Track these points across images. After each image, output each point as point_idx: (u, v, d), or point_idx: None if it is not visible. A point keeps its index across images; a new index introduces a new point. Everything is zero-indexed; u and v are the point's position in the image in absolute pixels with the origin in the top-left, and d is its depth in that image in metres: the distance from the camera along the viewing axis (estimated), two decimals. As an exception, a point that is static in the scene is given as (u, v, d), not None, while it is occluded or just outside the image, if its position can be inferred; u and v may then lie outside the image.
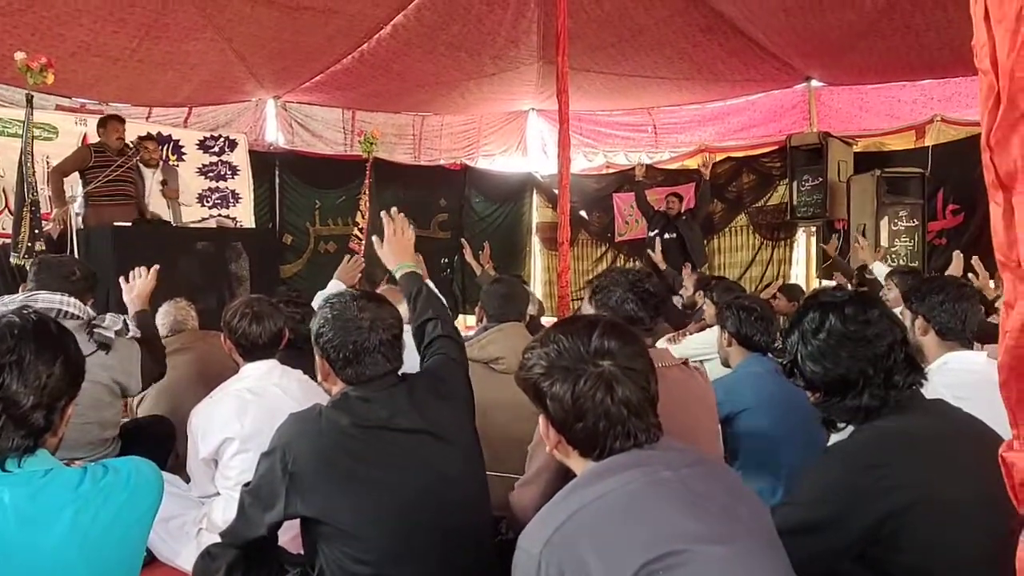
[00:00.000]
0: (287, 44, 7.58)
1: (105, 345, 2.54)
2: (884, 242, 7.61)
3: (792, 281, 8.48)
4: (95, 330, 2.53)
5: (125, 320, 2.77)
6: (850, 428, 1.73)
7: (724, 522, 1.26)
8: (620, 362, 1.33)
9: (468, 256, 7.44)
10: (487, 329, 2.97)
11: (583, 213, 10.53)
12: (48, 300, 2.47)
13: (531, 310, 4.34)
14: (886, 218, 7.72)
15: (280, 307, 2.87)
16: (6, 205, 6.87)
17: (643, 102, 10.14)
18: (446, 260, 10.29)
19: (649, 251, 7.54)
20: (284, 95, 9.11)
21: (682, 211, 8.64)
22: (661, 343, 4.14)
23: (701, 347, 4.18)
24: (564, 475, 1.68)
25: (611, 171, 10.66)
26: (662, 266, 7.06)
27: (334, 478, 1.75)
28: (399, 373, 1.95)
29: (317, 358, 1.92)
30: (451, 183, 10.44)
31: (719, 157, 9.77)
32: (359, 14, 7.26)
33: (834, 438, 1.81)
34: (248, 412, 2.50)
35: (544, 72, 8.81)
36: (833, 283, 6.87)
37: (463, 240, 7.89)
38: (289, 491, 1.75)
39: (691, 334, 4.77)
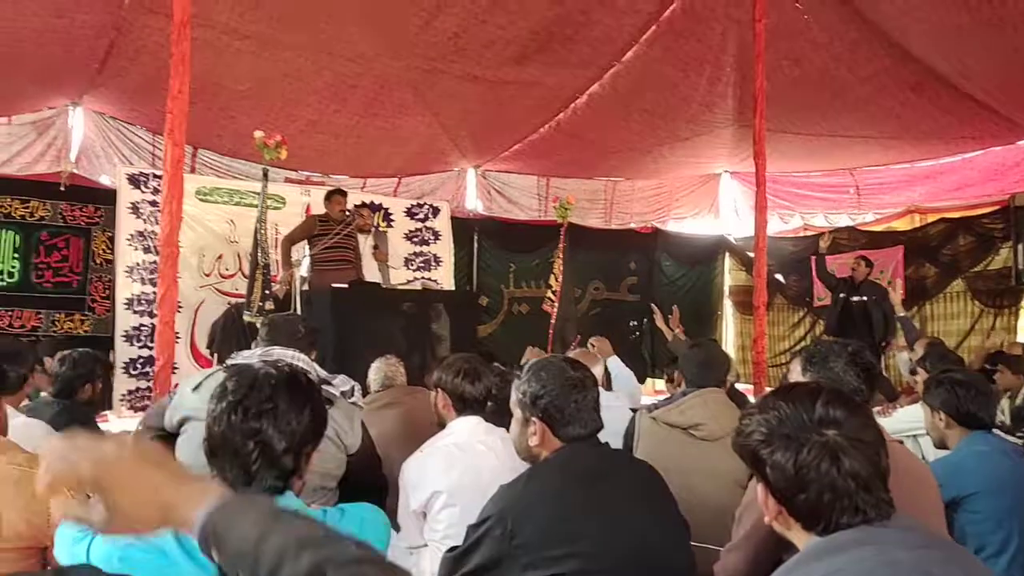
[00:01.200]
0: (489, 116, 8.02)
1: (329, 401, 2.75)
2: None
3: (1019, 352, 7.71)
4: (323, 387, 2.75)
5: (355, 386, 2.98)
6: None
7: (964, 610, 1.18)
8: (847, 432, 1.28)
9: (659, 321, 7.33)
10: (685, 394, 2.95)
11: (779, 276, 10.20)
12: (282, 355, 2.71)
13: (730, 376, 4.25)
14: None
15: (491, 366, 2.99)
16: (240, 268, 7.64)
17: (844, 162, 9.76)
18: (635, 323, 10.27)
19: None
20: (484, 164, 9.59)
21: (870, 276, 8.00)
22: (870, 416, 3.90)
23: (913, 421, 3.90)
24: (774, 543, 1.64)
25: (809, 233, 10.29)
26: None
27: (555, 537, 1.79)
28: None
29: (534, 422, 1.98)
30: (642, 246, 10.50)
31: (932, 218, 9.18)
32: (557, 85, 7.57)
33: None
34: (455, 467, 2.62)
35: (739, 135, 8.73)
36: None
37: (653, 305, 7.81)
38: (510, 558, 1.79)
39: (901, 406, 4.47)
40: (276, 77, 6.72)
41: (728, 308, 10.99)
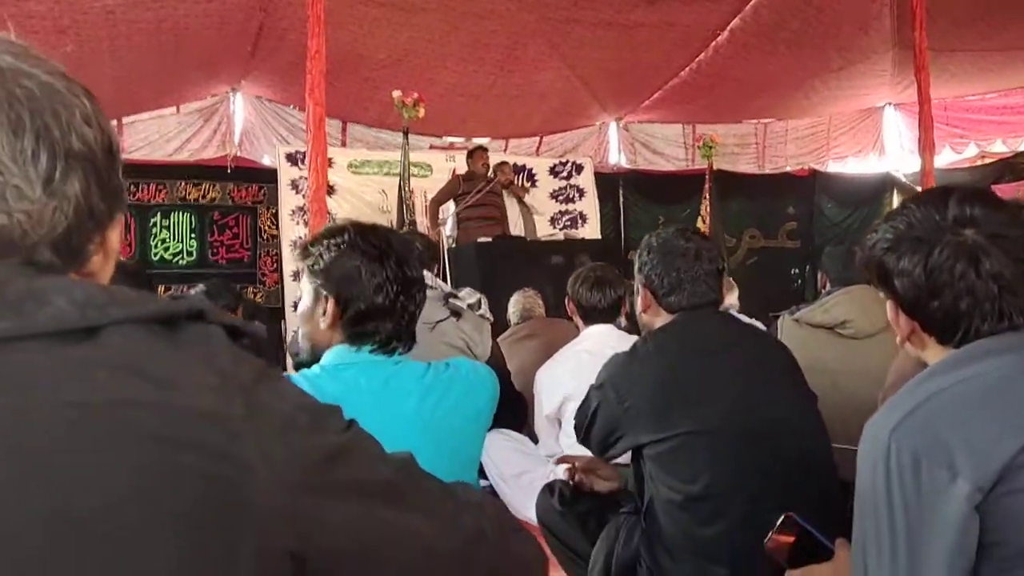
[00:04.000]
0: (626, 64, 7.84)
1: (456, 313, 2.79)
2: None
3: None
4: (450, 300, 2.79)
5: (481, 299, 3.01)
6: None
7: None
8: (987, 230, 1.10)
9: None
10: (830, 294, 2.77)
11: (955, 211, 9.41)
12: None
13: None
14: None
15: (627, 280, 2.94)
16: (393, 234, 7.91)
17: (1025, 79, 8.86)
18: (796, 271, 9.85)
19: None
20: (625, 116, 9.42)
21: None
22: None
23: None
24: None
25: (987, 161, 9.43)
26: None
27: (666, 403, 1.74)
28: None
29: (640, 289, 1.94)
30: (799, 190, 9.99)
31: None
32: (695, 24, 7.28)
33: None
34: (586, 372, 2.58)
35: (900, 59, 8.08)
36: None
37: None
38: (624, 422, 1.78)
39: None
40: (413, 42, 6.87)
41: (899, 250, 10.29)
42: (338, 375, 1.43)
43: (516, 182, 7.86)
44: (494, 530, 0.77)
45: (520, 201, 7.08)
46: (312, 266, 1.47)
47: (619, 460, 2.03)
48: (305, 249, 1.50)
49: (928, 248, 1.14)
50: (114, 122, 7.32)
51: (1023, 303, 1.11)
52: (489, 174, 6.92)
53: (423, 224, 7.32)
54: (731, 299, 3.76)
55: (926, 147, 6.23)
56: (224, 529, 0.55)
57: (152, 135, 7.52)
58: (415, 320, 1.49)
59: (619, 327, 2.78)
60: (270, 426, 0.60)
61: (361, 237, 1.46)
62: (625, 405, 1.75)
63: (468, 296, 2.86)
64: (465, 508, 0.76)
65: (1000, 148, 9.45)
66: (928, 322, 1.17)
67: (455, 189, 6.92)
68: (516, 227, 7.22)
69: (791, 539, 1.42)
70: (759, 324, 3.76)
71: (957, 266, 1.11)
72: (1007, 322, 1.11)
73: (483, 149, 7.00)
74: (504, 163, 7.25)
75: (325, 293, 1.45)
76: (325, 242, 1.47)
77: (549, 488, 2.08)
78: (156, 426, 0.54)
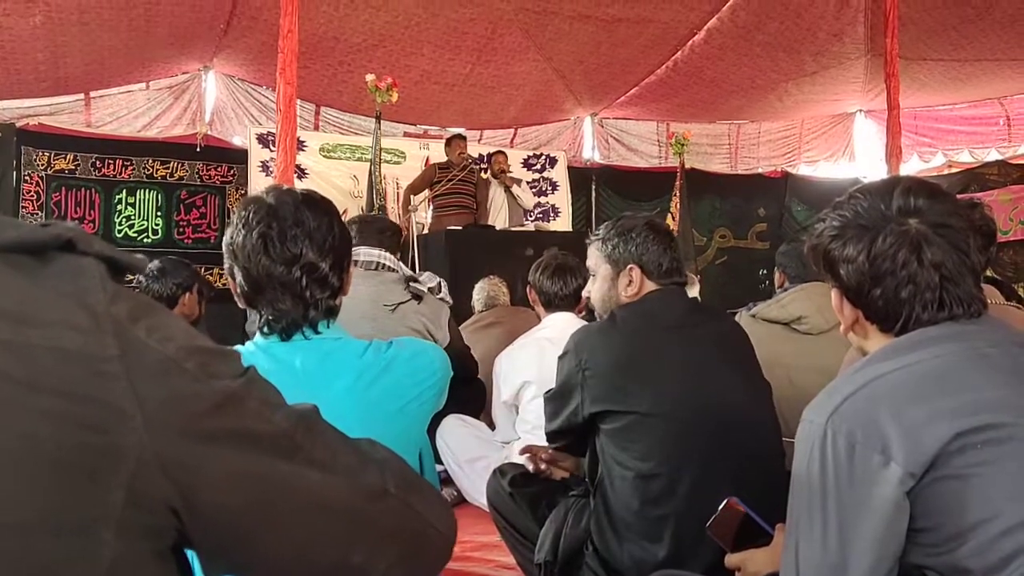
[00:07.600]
0: (603, 59, 7.86)
1: (418, 296, 2.76)
2: None
3: None
4: (411, 284, 2.77)
5: (441, 283, 2.99)
6: None
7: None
8: (931, 219, 1.12)
9: None
10: (786, 290, 2.80)
11: (921, 219, 9.54)
12: (368, 253, 2.71)
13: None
14: None
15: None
16: (364, 221, 7.85)
17: (993, 91, 8.99)
18: (764, 272, 9.91)
19: None
20: (600, 111, 9.43)
21: None
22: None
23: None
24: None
25: (953, 171, 9.58)
26: None
27: (623, 378, 1.77)
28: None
29: (632, 268, 1.96)
30: (770, 191, 10.07)
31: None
32: (672, 21, 7.32)
33: None
34: (546, 359, 2.60)
35: (872, 66, 8.18)
36: None
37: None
38: (579, 384, 1.81)
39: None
40: (389, 27, 6.83)
41: (865, 255, 10.41)
42: (270, 352, 1.37)
43: (508, 167, 7.78)
44: (399, 488, 0.73)
45: (507, 191, 7.05)
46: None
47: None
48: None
49: (872, 236, 1.14)
50: (81, 96, 7.19)
51: (963, 293, 1.13)
52: (466, 162, 6.89)
53: (394, 211, 7.29)
54: (692, 292, 3.79)
55: (892, 153, 6.31)
56: (88, 475, 0.53)
57: (120, 110, 7.39)
58: (315, 299, 1.40)
59: (578, 316, 2.79)
60: (147, 367, 0.56)
61: (253, 213, 1.38)
62: (584, 368, 1.79)
63: (428, 280, 2.85)
64: (368, 464, 0.73)
65: (967, 158, 9.61)
66: (870, 310, 1.18)
67: (431, 177, 6.89)
68: (500, 216, 7.14)
69: (734, 523, 1.44)
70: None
71: (900, 254, 1.12)
72: (947, 311, 1.12)
73: (461, 138, 6.98)
74: (500, 152, 7.26)
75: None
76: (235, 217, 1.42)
77: (500, 471, 2.08)
78: (8, 366, 0.51)
